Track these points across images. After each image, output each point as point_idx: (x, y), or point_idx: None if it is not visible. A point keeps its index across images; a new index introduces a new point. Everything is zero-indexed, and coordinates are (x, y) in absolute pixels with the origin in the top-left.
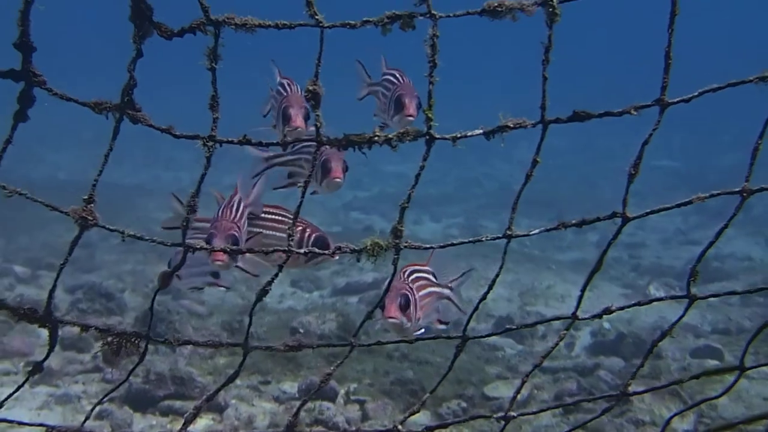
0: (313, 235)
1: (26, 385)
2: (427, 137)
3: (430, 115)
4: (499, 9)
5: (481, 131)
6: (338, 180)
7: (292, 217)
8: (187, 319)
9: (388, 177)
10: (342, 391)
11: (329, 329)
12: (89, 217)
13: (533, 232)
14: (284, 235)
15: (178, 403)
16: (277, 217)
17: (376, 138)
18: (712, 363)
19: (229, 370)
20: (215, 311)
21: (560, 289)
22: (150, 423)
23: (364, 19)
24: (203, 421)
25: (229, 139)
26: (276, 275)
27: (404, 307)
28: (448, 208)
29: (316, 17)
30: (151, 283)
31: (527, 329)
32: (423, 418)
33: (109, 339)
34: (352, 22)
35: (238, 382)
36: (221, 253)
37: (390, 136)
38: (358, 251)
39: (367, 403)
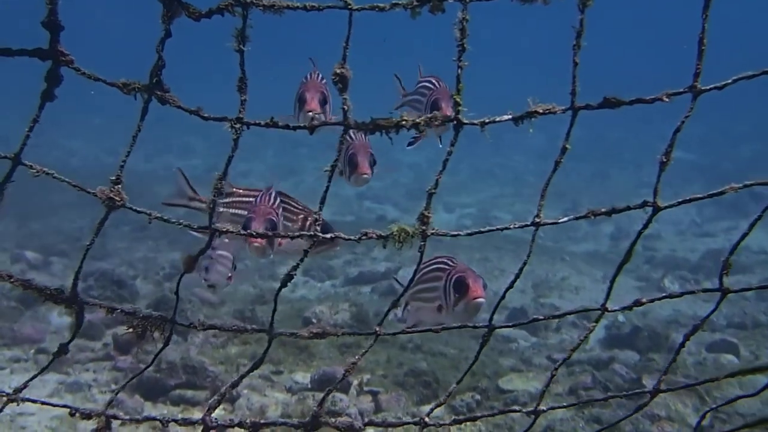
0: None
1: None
2: (455, 122)
3: (458, 100)
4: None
5: (510, 116)
6: (366, 176)
7: (298, 206)
8: (199, 308)
9: (401, 167)
10: (355, 382)
11: (342, 319)
12: (117, 198)
13: (562, 220)
14: (285, 225)
15: (189, 393)
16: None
17: (403, 122)
18: (728, 357)
19: (241, 359)
20: (227, 300)
21: (574, 281)
22: (161, 412)
23: (393, 1)
24: (215, 412)
25: (257, 122)
26: (301, 260)
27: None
28: (461, 199)
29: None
30: (162, 270)
31: (541, 321)
32: (437, 410)
33: (135, 323)
34: (381, 5)
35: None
36: (259, 238)
37: (418, 120)
38: (385, 237)
39: (380, 395)
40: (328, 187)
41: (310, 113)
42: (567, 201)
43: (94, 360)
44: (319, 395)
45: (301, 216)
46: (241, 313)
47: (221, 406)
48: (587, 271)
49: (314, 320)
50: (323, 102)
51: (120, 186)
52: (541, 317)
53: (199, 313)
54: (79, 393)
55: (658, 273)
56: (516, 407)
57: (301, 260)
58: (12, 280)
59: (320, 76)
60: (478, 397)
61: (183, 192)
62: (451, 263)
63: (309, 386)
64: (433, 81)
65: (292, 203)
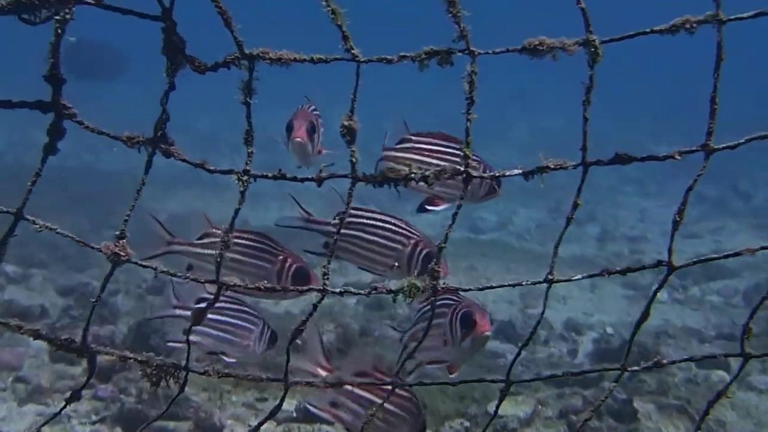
0: (294, 266)
1: (14, 404)
2: (465, 175)
3: (467, 152)
4: (540, 47)
5: (520, 171)
6: (299, 140)
7: (277, 247)
8: (179, 330)
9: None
10: None
11: (327, 341)
12: (122, 253)
13: (575, 278)
14: (263, 266)
15: (171, 424)
16: (257, 246)
17: (412, 175)
18: (719, 374)
19: (224, 385)
20: None
21: (562, 290)
22: None
23: (401, 54)
24: None
25: (264, 174)
26: (310, 315)
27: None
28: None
29: (353, 51)
30: (144, 283)
31: (527, 334)
32: None
33: (149, 371)
34: (389, 58)
35: (233, 398)
36: (301, 131)
37: (427, 173)
38: (395, 292)
39: None
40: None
41: (297, 140)
42: (551, 200)
43: (74, 389)
44: (304, 427)
45: (280, 257)
46: None
47: None
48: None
49: (299, 342)
50: (311, 130)
51: (125, 241)
52: (559, 374)
53: (179, 331)
54: (58, 425)
55: (646, 279)
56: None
57: (310, 315)
58: (21, 330)
59: (312, 107)
60: (467, 423)
61: (161, 238)
62: (454, 299)
63: (294, 415)
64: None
65: (272, 244)
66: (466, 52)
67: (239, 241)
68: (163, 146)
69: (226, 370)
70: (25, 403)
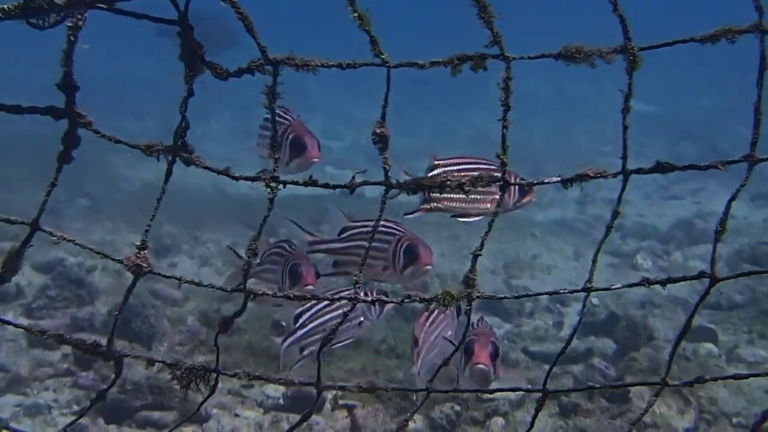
0: (289, 264)
1: None
2: (502, 183)
3: (504, 160)
4: (577, 54)
5: (558, 179)
6: (317, 160)
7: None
8: (163, 313)
9: (361, 125)
10: (329, 396)
11: None
12: (144, 265)
13: (615, 287)
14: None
15: (156, 414)
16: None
17: (448, 182)
18: (707, 347)
19: None
20: (191, 295)
21: (546, 259)
22: None
23: (432, 60)
24: None
25: (294, 180)
26: (340, 323)
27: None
28: (425, 163)
29: (382, 56)
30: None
31: (515, 306)
32: (415, 424)
33: (178, 374)
34: (420, 62)
35: (219, 385)
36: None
37: (463, 180)
38: (429, 300)
39: (356, 410)
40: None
41: (316, 160)
42: (530, 165)
43: (53, 376)
44: (294, 417)
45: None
46: (204, 315)
47: (191, 430)
48: (558, 247)
49: (283, 323)
50: (319, 146)
51: (146, 251)
52: (597, 385)
53: (162, 320)
54: (38, 417)
55: (629, 245)
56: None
57: (341, 323)
58: (45, 336)
59: (296, 115)
60: (457, 407)
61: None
62: (397, 228)
63: (282, 402)
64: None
65: (285, 246)
66: (501, 57)
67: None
68: (183, 155)
69: (257, 373)
70: (4, 394)
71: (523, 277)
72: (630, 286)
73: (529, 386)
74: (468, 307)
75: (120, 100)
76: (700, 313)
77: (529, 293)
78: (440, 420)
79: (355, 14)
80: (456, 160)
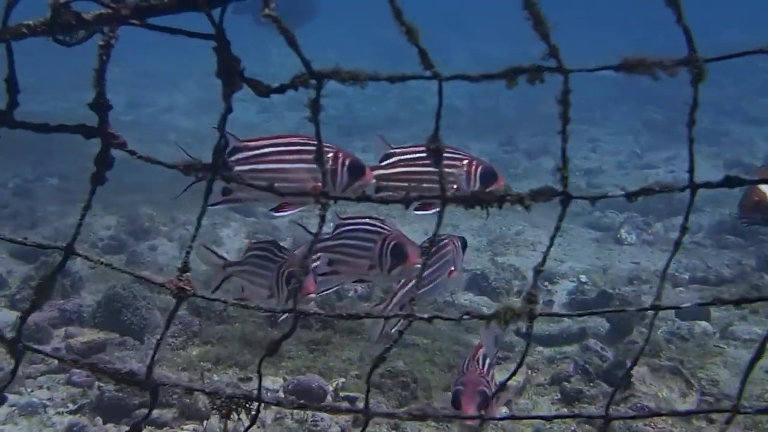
0: (286, 272)
1: None
2: (564, 196)
3: (565, 174)
4: (639, 66)
5: (622, 192)
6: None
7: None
8: (154, 304)
9: (330, 95)
10: (330, 388)
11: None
12: (188, 288)
13: (684, 305)
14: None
15: (155, 412)
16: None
17: (508, 197)
18: (702, 325)
19: (204, 363)
20: None
21: (530, 235)
22: None
23: (484, 73)
24: None
25: (346, 196)
26: (395, 341)
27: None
28: (394, 134)
29: (433, 69)
30: (101, 242)
31: (502, 285)
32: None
33: (219, 402)
34: (473, 75)
35: (215, 377)
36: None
37: (522, 194)
38: (488, 318)
39: (358, 401)
40: None
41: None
42: (502, 135)
43: (46, 373)
44: (297, 413)
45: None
46: (192, 303)
47: (190, 426)
48: (541, 222)
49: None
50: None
51: (189, 274)
52: (663, 412)
53: (154, 311)
54: (35, 416)
55: (610, 217)
56: None
57: (395, 342)
58: (77, 364)
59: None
60: None
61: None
62: (382, 226)
63: (282, 397)
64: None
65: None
66: (558, 70)
67: (257, 253)
68: (224, 173)
69: (301, 401)
70: None
71: (508, 254)
72: (701, 305)
73: (591, 412)
74: (529, 324)
75: (75, 75)
76: (688, 289)
77: (594, 311)
78: (443, 409)
79: (404, 28)
80: (412, 149)
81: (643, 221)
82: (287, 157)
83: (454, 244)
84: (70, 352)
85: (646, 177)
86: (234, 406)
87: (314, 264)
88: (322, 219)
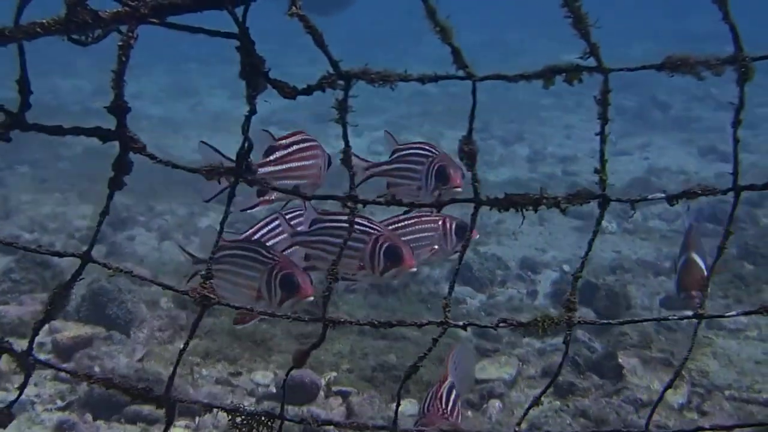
0: (280, 274)
1: None
2: (602, 199)
3: (603, 177)
4: (682, 66)
5: (663, 195)
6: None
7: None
8: (140, 298)
9: (297, 81)
10: (322, 382)
11: None
12: (212, 296)
13: (729, 314)
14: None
15: (146, 409)
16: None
17: (544, 200)
18: (686, 314)
19: (192, 356)
20: (159, 273)
21: (510, 224)
22: None
23: (521, 72)
24: (176, 430)
25: (376, 200)
26: (429, 350)
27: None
28: (367, 120)
29: (467, 69)
30: (78, 232)
31: (486, 275)
32: (410, 407)
33: (239, 420)
34: (509, 75)
35: (204, 372)
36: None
37: (558, 197)
38: (526, 325)
39: (351, 396)
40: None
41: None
42: (477, 121)
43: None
44: (292, 409)
45: (269, 266)
46: (177, 296)
47: (184, 424)
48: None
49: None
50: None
51: (212, 281)
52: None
53: (140, 305)
54: (22, 414)
55: (588, 205)
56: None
57: (429, 350)
58: (92, 380)
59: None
60: None
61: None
62: (372, 226)
63: (274, 391)
64: (427, 147)
65: (261, 250)
66: (598, 70)
67: (227, 251)
68: (248, 177)
69: (325, 419)
70: None
71: (490, 243)
72: (746, 313)
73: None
74: (568, 332)
75: (43, 58)
76: (671, 278)
77: (635, 319)
78: None
79: (437, 27)
80: (408, 145)
81: (620, 209)
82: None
83: (445, 224)
84: (57, 347)
85: (620, 163)
86: (255, 424)
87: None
88: (351, 225)
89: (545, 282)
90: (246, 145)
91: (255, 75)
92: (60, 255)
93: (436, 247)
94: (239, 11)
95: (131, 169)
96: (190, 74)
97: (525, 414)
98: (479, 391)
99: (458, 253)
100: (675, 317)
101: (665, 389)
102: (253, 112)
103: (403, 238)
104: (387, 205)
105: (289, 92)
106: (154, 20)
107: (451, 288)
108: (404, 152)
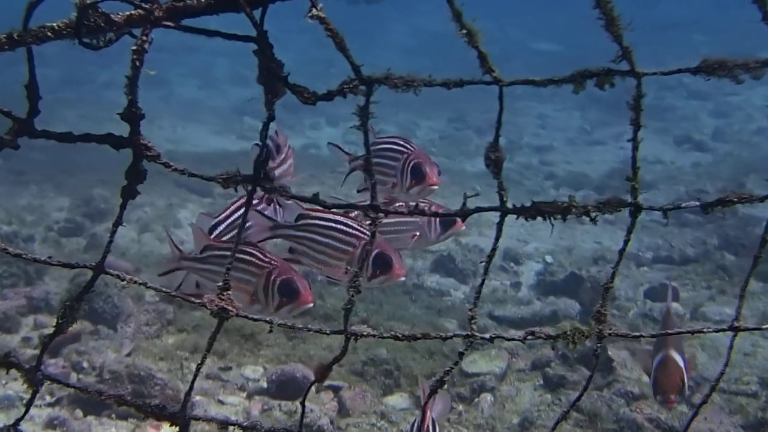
0: (278, 279)
1: None
2: (633, 207)
3: (635, 185)
4: (720, 69)
5: (697, 203)
6: (436, 188)
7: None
8: (127, 292)
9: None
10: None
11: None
12: (230, 308)
13: (765, 326)
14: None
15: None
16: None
17: (573, 209)
18: (673, 305)
19: (180, 351)
20: (141, 267)
21: (491, 214)
22: (110, 430)
23: (550, 78)
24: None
25: (395, 209)
26: (456, 364)
27: None
28: (341, 109)
29: (494, 73)
30: (56, 224)
31: (469, 267)
32: (401, 400)
33: None
34: (537, 80)
35: (193, 367)
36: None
37: (588, 206)
38: (555, 337)
39: (342, 391)
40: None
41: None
42: (451, 111)
43: (15, 363)
44: (285, 404)
45: (266, 270)
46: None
47: None
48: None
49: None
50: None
51: (230, 292)
52: None
53: (126, 299)
54: (11, 410)
55: (566, 196)
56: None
57: (456, 364)
58: (103, 397)
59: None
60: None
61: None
62: (360, 230)
63: (265, 386)
64: (401, 142)
65: (258, 254)
66: (631, 74)
67: (222, 253)
68: (266, 185)
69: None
70: None
71: (471, 235)
72: None
73: None
74: (599, 344)
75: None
76: (654, 269)
77: (668, 332)
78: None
79: (464, 31)
80: (385, 138)
81: (596, 198)
82: (337, 234)
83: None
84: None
85: (595, 153)
86: None
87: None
88: (373, 235)
89: (528, 273)
90: (264, 151)
91: (273, 80)
92: (72, 266)
93: (418, 233)
94: (257, 14)
95: (145, 178)
96: (161, 63)
97: None
98: (470, 384)
99: (449, 251)
100: (710, 330)
101: (700, 405)
102: (271, 118)
103: (385, 222)
104: (410, 215)
105: (308, 97)
106: (169, 23)
107: (477, 300)
108: (379, 146)
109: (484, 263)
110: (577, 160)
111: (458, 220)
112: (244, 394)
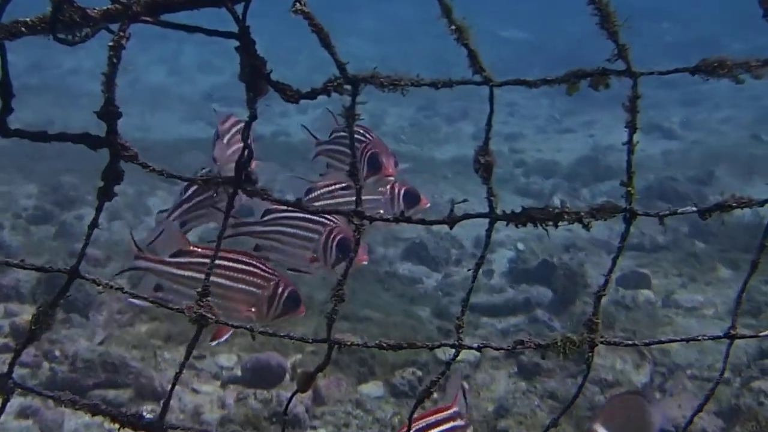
0: (287, 291)
1: None
2: (628, 213)
3: (631, 191)
4: (719, 69)
5: (694, 209)
6: (391, 178)
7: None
8: (108, 292)
9: (235, 56)
10: (288, 364)
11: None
12: (209, 315)
13: (762, 334)
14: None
15: (111, 393)
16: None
17: (565, 215)
18: (645, 294)
19: (154, 340)
20: (112, 255)
21: (465, 205)
22: (83, 420)
23: (543, 78)
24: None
25: (380, 216)
26: (442, 374)
27: None
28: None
29: (483, 73)
30: (25, 211)
31: (441, 255)
32: (375, 389)
33: None
34: (530, 80)
35: (166, 355)
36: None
37: (581, 212)
38: (545, 347)
39: (319, 379)
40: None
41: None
42: (420, 98)
43: None
44: (261, 393)
45: (272, 282)
46: (134, 279)
47: (150, 408)
48: (471, 189)
49: None
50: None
51: (208, 299)
52: None
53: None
54: None
55: (537, 183)
56: None
57: (442, 374)
58: (76, 405)
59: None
60: (419, 372)
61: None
62: (325, 219)
63: (240, 375)
64: (361, 131)
65: (260, 265)
66: (626, 73)
67: (223, 263)
68: (247, 188)
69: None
70: None
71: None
72: None
73: None
74: (590, 353)
75: None
76: (625, 256)
77: (661, 339)
78: (402, 386)
79: (453, 27)
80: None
81: (570, 187)
82: (303, 223)
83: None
84: (16, 331)
85: (565, 141)
86: None
87: None
88: (357, 243)
89: (500, 260)
90: (247, 153)
91: (256, 77)
92: (47, 271)
93: (382, 211)
94: (239, 9)
95: (122, 178)
96: (128, 49)
97: None
98: (445, 375)
99: (470, 271)
100: (705, 337)
101: (696, 412)
102: (253, 117)
103: (344, 201)
104: (396, 222)
105: (291, 95)
106: (148, 18)
107: (464, 309)
108: (340, 134)
109: (471, 271)
110: (547, 148)
111: (423, 197)
112: (219, 383)
